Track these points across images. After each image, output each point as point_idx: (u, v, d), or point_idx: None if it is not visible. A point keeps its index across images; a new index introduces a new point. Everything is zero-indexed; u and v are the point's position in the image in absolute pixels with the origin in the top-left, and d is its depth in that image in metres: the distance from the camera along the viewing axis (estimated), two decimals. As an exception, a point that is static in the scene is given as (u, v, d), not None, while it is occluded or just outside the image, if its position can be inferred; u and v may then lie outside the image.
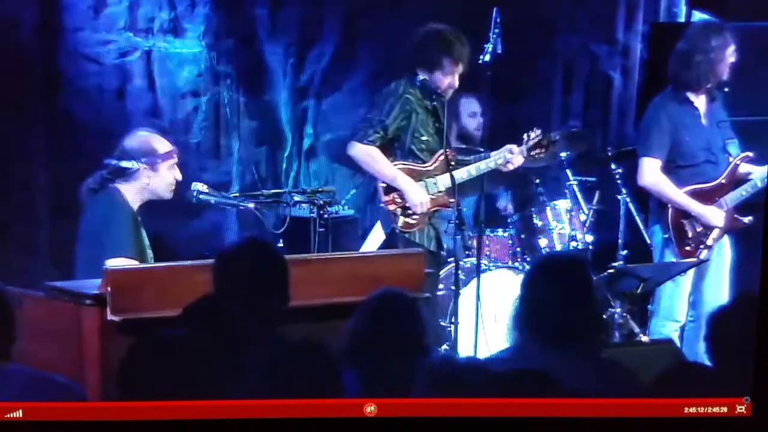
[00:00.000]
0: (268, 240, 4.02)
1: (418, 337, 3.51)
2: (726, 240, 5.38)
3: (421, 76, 5.20)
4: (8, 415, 3.35)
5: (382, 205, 5.24)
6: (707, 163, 5.34)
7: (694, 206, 5.30)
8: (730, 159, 5.35)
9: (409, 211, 5.19)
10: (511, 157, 5.32)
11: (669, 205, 5.34)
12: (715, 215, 5.30)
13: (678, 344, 5.24)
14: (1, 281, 3.42)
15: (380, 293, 3.59)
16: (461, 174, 5.25)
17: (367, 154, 5.18)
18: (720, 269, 5.37)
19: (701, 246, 5.32)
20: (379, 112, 5.18)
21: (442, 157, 5.22)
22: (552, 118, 6.87)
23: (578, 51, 6.91)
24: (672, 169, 5.33)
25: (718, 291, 5.33)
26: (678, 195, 5.32)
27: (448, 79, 5.21)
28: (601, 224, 5.94)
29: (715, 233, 5.33)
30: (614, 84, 6.98)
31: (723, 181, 5.32)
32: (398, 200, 5.21)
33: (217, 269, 3.64)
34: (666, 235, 5.36)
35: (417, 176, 5.22)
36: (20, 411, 3.36)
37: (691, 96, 5.34)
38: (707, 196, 5.32)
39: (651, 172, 5.32)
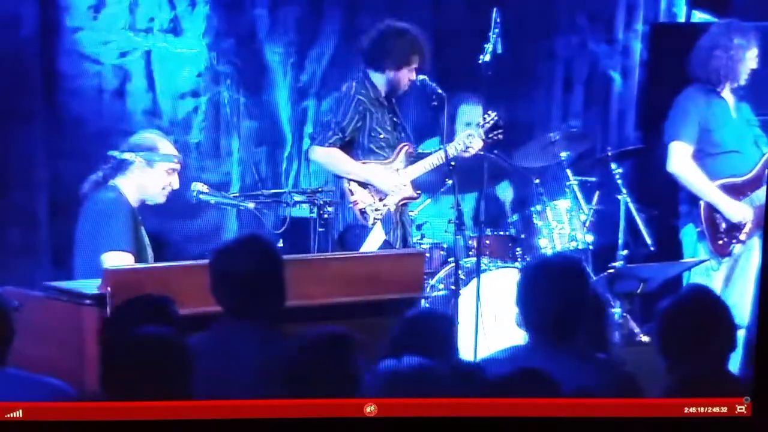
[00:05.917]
0: (267, 238, 4.01)
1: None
2: (756, 242, 5.22)
3: (394, 72, 5.25)
4: (8, 415, 3.34)
5: (350, 206, 5.29)
6: (736, 153, 5.26)
7: (719, 198, 5.22)
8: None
9: (378, 209, 5.24)
10: (471, 141, 5.35)
11: (701, 199, 5.25)
12: (737, 209, 5.21)
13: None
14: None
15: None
16: (423, 165, 5.34)
17: (328, 155, 5.29)
18: (747, 272, 5.25)
19: (734, 240, 5.24)
20: (335, 115, 5.30)
21: (404, 150, 5.34)
22: (552, 118, 6.87)
23: (578, 51, 6.91)
24: (702, 157, 5.25)
25: (745, 294, 5.19)
26: (706, 185, 5.22)
27: (412, 75, 5.30)
28: (601, 224, 5.93)
29: (748, 227, 5.21)
30: (614, 84, 6.98)
31: (754, 175, 5.22)
32: (365, 200, 5.26)
33: (213, 266, 3.63)
34: (699, 229, 5.28)
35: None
36: (20, 411, 3.35)
37: (717, 89, 5.29)
38: (739, 191, 5.22)
39: (680, 158, 5.24)
